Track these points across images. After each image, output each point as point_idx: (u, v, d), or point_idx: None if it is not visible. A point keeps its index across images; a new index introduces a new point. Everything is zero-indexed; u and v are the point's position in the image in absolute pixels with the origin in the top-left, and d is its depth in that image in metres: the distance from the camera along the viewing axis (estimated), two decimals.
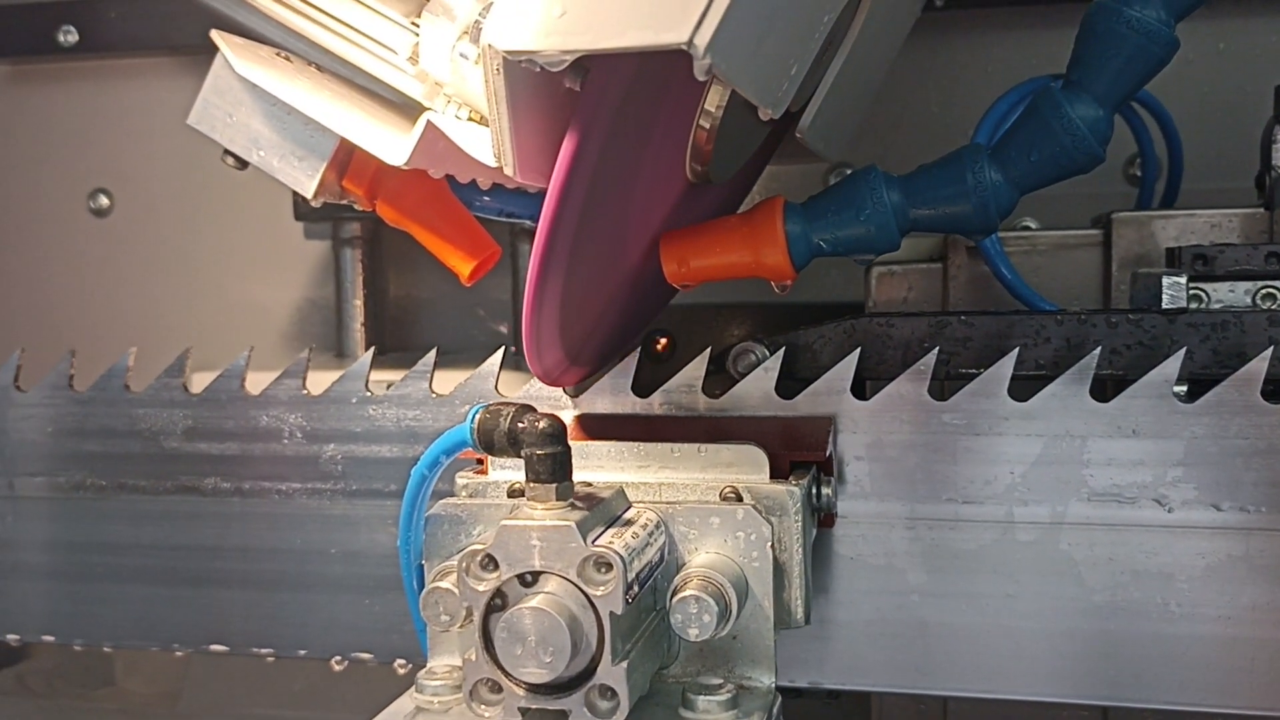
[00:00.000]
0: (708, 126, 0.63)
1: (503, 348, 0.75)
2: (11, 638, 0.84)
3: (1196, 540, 0.65)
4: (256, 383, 0.78)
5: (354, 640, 0.78)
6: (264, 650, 0.79)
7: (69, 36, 1.26)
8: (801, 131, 0.69)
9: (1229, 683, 0.65)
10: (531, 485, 0.53)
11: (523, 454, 0.53)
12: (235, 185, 1.28)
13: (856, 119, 0.79)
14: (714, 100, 0.62)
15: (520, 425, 0.54)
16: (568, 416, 0.71)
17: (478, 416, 0.55)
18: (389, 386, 0.76)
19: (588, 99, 0.52)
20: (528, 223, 0.72)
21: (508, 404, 0.56)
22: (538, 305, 0.58)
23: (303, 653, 0.79)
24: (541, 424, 0.53)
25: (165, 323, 1.29)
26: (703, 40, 0.46)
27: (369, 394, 0.76)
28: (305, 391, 0.77)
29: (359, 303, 1.18)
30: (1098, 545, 0.66)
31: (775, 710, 0.58)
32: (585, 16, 0.48)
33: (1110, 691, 0.67)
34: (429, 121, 0.63)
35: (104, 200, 1.31)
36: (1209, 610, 0.65)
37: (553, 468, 0.52)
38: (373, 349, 0.79)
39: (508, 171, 0.56)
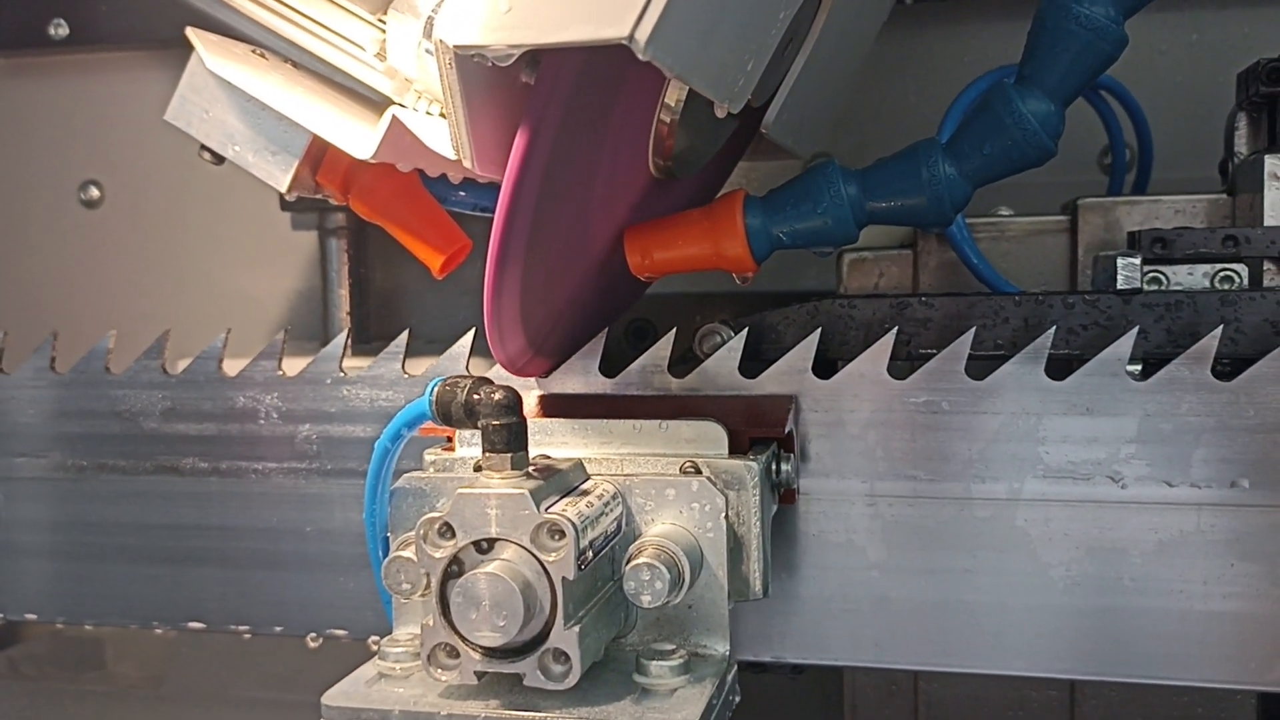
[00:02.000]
0: (668, 121, 0.64)
1: (473, 329, 0.76)
2: None
3: (1149, 516, 0.66)
4: (239, 370, 0.80)
5: (329, 617, 0.79)
6: (240, 628, 0.81)
7: (60, 30, 1.27)
8: (766, 127, 0.71)
9: (1183, 655, 0.66)
10: (488, 455, 0.54)
11: (479, 425, 0.55)
12: (223, 177, 1.28)
13: (827, 115, 0.80)
14: (674, 94, 0.63)
15: (476, 397, 0.55)
16: (534, 396, 0.73)
17: (436, 389, 0.57)
18: None
19: (539, 91, 0.54)
20: None
21: (465, 377, 0.57)
22: (497, 293, 0.59)
23: (279, 630, 0.80)
24: (497, 395, 0.54)
25: (155, 312, 1.30)
26: (643, 35, 0.47)
27: (343, 375, 0.77)
28: (281, 373, 0.78)
29: (344, 292, 1.19)
30: (1053, 521, 0.67)
31: (729, 678, 0.59)
32: (530, 12, 0.49)
33: (1068, 665, 0.68)
34: (394, 116, 0.65)
35: (94, 192, 1.33)
36: (1162, 584, 0.66)
37: (508, 438, 0.54)
38: (347, 330, 0.81)
39: (466, 164, 0.57)
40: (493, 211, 0.74)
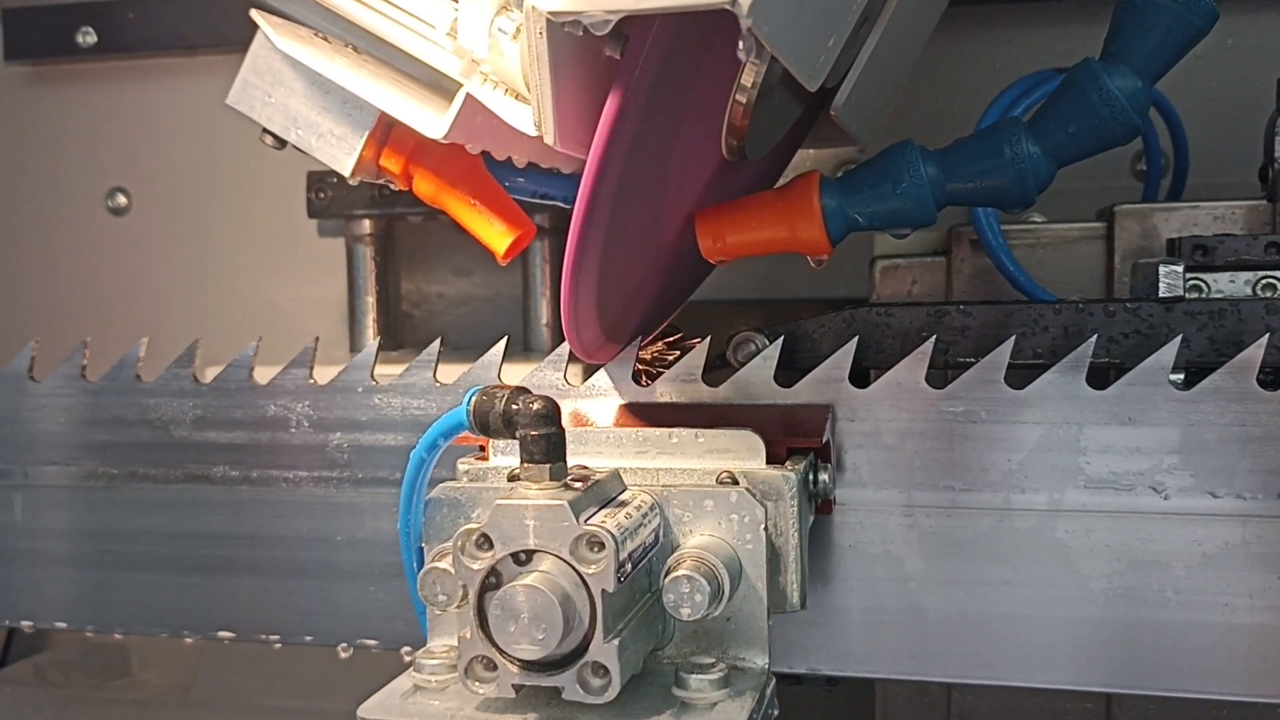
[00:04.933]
0: (744, 102, 0.63)
1: (505, 338, 0.75)
2: (26, 624, 0.85)
3: (1193, 527, 0.65)
4: (269, 377, 0.79)
5: (360, 627, 0.79)
6: (271, 637, 0.80)
7: (87, 38, 1.28)
8: (836, 109, 0.69)
9: (1227, 670, 0.65)
10: (526, 466, 0.54)
11: (517, 435, 0.54)
12: (250, 184, 1.30)
13: (888, 102, 0.79)
14: (750, 76, 0.62)
15: (515, 407, 0.55)
16: (570, 406, 0.72)
17: (474, 399, 0.56)
18: None
19: (627, 67, 0.53)
20: (560, 204, 0.72)
21: (503, 387, 0.56)
22: (576, 280, 0.58)
23: (309, 639, 0.80)
24: (535, 405, 0.54)
25: (182, 320, 1.30)
26: (745, 0, 0.46)
27: (374, 383, 0.77)
28: (312, 381, 0.78)
29: (371, 299, 1.19)
30: (1095, 532, 0.66)
31: (769, 691, 0.58)
32: None
33: (1108, 679, 0.67)
34: (468, 94, 0.64)
35: (122, 199, 1.33)
36: (1206, 598, 0.65)
37: (546, 448, 0.53)
38: (379, 339, 0.80)
39: (548, 140, 0.56)
40: (553, 198, 0.73)
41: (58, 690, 1.22)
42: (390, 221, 1.19)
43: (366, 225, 1.19)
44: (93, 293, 1.34)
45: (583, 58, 0.53)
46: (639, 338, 0.73)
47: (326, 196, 1.17)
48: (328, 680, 1.03)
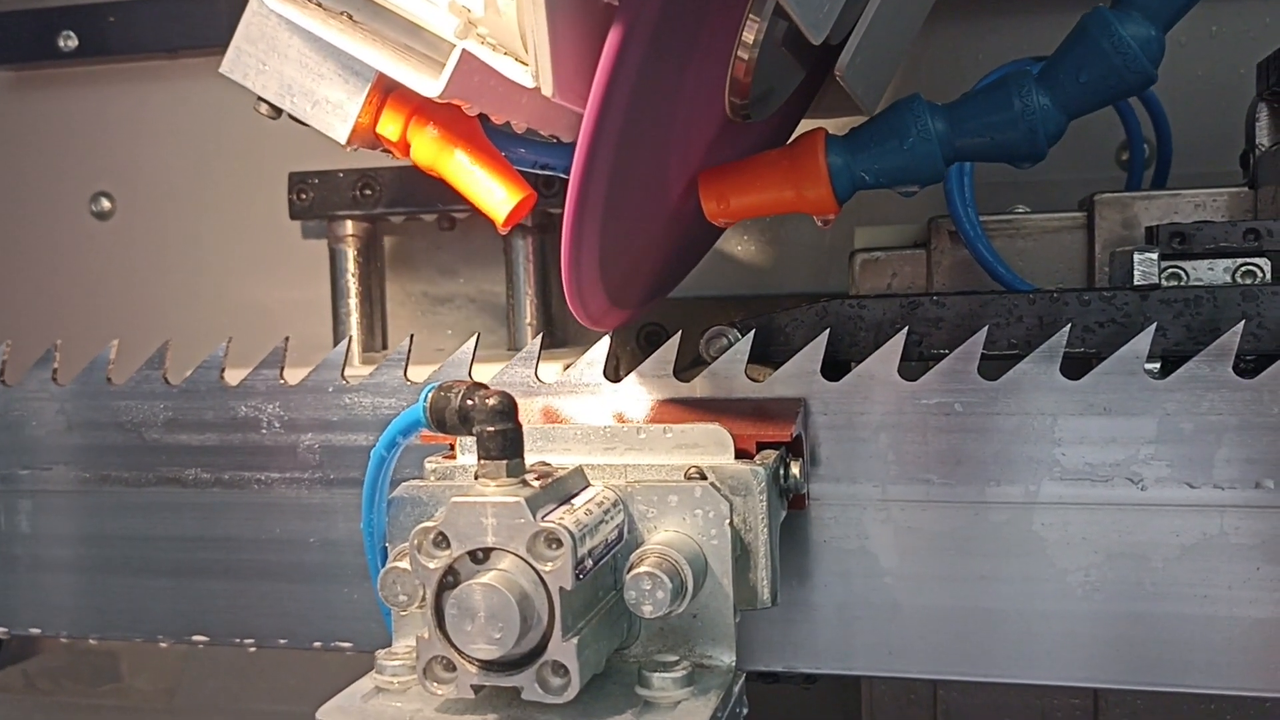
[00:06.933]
0: (746, 59, 0.62)
1: (476, 335, 0.75)
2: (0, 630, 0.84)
3: (1171, 519, 0.64)
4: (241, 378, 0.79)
5: (334, 629, 0.78)
6: (246, 641, 0.80)
7: (69, 42, 1.27)
8: (840, 70, 0.68)
9: (1208, 662, 0.64)
10: (483, 463, 0.53)
11: (474, 431, 0.53)
12: (235, 186, 1.29)
13: (892, 67, 0.78)
14: (751, 32, 0.61)
15: (470, 403, 0.54)
16: (541, 402, 0.71)
17: (430, 395, 0.55)
18: None
19: (625, 14, 0.52)
20: (560, 174, 0.71)
21: (460, 382, 0.56)
22: (577, 236, 0.57)
23: (283, 642, 0.79)
24: (491, 401, 0.53)
25: (166, 323, 1.30)
26: None
27: (345, 383, 0.76)
28: (282, 382, 0.77)
29: (354, 300, 1.18)
30: (1071, 525, 0.65)
31: (736, 689, 0.57)
32: None
33: (1087, 673, 0.66)
34: (464, 50, 0.63)
35: (105, 203, 1.33)
36: (1185, 589, 0.64)
37: (503, 444, 0.52)
38: (349, 337, 0.79)
39: (545, 91, 0.55)
40: (553, 169, 0.72)
41: (46, 697, 1.21)
42: (373, 222, 1.19)
43: (349, 226, 1.18)
44: (78, 297, 1.33)
45: (581, 2, 0.52)
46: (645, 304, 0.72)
47: (308, 198, 1.16)
48: (311, 684, 1.02)
